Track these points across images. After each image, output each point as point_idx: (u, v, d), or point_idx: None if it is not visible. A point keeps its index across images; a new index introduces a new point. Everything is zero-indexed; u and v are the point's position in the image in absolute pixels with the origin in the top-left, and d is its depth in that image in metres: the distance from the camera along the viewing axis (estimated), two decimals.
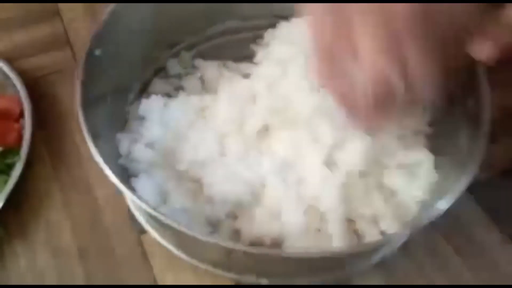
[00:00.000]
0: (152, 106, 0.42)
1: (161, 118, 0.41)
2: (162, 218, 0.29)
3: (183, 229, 0.28)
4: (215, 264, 0.35)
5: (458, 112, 0.38)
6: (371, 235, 0.36)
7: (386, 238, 0.35)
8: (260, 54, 0.44)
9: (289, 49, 0.41)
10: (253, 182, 0.37)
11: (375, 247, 0.34)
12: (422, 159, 0.39)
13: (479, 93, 0.35)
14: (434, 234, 0.38)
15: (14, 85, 0.44)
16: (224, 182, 0.37)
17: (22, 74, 0.45)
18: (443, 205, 0.30)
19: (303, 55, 0.39)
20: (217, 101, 0.41)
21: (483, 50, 0.28)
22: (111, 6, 0.40)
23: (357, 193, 0.37)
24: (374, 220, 0.36)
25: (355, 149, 0.37)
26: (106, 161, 0.32)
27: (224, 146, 0.39)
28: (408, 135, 0.40)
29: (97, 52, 0.38)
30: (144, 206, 0.30)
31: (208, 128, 0.40)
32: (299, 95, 0.38)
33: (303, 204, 0.35)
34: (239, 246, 0.31)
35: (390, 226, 0.36)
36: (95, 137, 0.33)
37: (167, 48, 0.47)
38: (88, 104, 0.35)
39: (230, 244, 0.29)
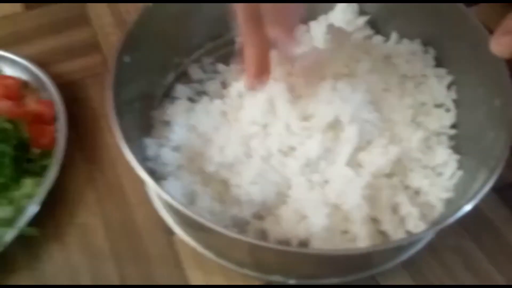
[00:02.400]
0: (177, 111, 0.43)
1: (187, 122, 0.42)
2: (192, 215, 0.30)
3: (212, 225, 0.29)
4: (242, 264, 0.36)
5: (483, 112, 0.38)
6: (397, 235, 0.36)
7: (411, 236, 0.35)
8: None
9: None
10: (279, 183, 0.38)
11: (401, 245, 0.34)
12: (446, 160, 0.39)
13: (505, 92, 0.35)
14: (462, 235, 0.39)
15: (47, 89, 0.46)
16: (251, 183, 0.37)
17: (56, 78, 0.47)
18: (468, 204, 0.31)
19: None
20: (242, 103, 0.42)
21: (502, 45, 0.28)
22: (139, 10, 0.41)
23: (382, 193, 0.37)
24: (400, 220, 0.37)
25: (380, 152, 0.37)
26: (138, 162, 0.33)
27: (250, 147, 0.39)
28: (431, 137, 0.41)
29: (126, 58, 0.39)
30: (175, 203, 0.31)
31: (234, 131, 0.40)
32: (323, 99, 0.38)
33: (327, 204, 0.36)
34: (269, 244, 0.31)
35: (416, 225, 0.36)
36: (126, 140, 0.34)
37: (187, 53, 0.49)
38: (117, 109, 0.36)
39: (259, 242, 0.30)
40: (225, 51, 0.49)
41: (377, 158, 0.38)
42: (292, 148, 0.38)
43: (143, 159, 0.41)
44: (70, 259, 0.39)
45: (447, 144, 0.41)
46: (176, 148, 0.41)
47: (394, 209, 0.37)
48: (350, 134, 0.37)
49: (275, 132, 0.39)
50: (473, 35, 0.39)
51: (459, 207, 0.31)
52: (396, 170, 0.38)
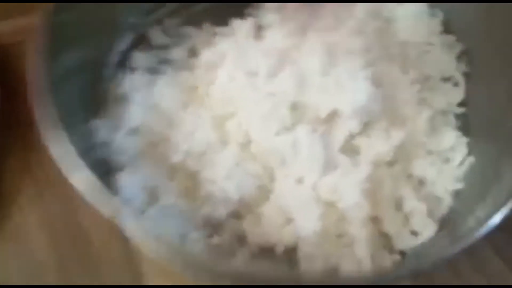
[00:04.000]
0: (135, 84, 0.35)
1: (146, 98, 0.34)
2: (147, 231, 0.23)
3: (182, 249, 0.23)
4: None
5: (503, 88, 0.32)
6: (401, 237, 0.30)
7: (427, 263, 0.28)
8: (271, 16, 0.37)
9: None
10: (260, 175, 0.31)
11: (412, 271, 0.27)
12: (454, 143, 0.34)
13: None
14: (483, 246, 0.33)
15: None
16: (226, 177, 0.30)
17: None
18: (496, 217, 0.25)
19: None
20: (214, 76, 0.34)
21: None
22: None
23: (384, 186, 0.31)
24: (405, 218, 0.31)
25: (382, 136, 0.31)
26: (77, 155, 0.26)
27: (224, 132, 0.32)
28: (437, 116, 0.35)
29: (63, 16, 0.31)
30: (125, 214, 0.24)
31: (204, 110, 0.33)
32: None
33: (318, 202, 0.30)
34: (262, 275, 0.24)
35: (423, 224, 0.31)
36: (63, 124, 0.27)
37: (147, 11, 0.40)
38: (53, 83, 0.28)
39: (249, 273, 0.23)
40: (194, 10, 0.41)
41: (378, 143, 0.32)
42: (277, 133, 0.31)
43: (90, 147, 0.33)
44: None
45: (455, 125, 0.35)
46: (134, 132, 0.33)
47: (397, 204, 0.31)
48: (348, 121, 0.31)
49: (255, 113, 0.32)
50: None
51: (489, 216, 0.25)
52: (398, 157, 0.32)
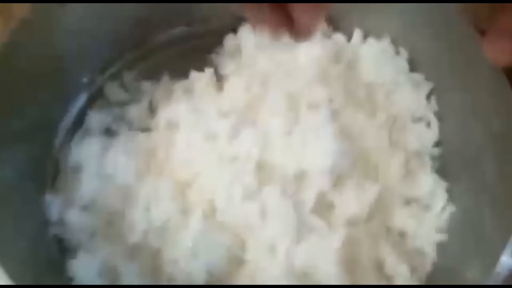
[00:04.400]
0: (89, 151, 0.33)
1: (100, 168, 0.32)
2: None
3: None
4: None
5: (476, 126, 0.30)
6: None
7: None
8: (230, 64, 0.35)
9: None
10: (230, 244, 0.29)
11: None
12: (432, 187, 0.32)
13: (506, 108, 0.28)
14: None
15: None
16: (192, 255, 0.28)
17: None
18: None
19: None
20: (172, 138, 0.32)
21: (498, 51, 0.21)
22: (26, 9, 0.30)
23: (362, 248, 0.29)
24: (387, 280, 0.29)
25: (355, 192, 0.29)
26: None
27: (186, 201, 0.30)
28: (411, 160, 0.33)
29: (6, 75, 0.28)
30: None
31: (164, 179, 0.30)
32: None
33: (291, 275, 0.27)
34: None
35: (407, 282, 0.29)
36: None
37: (101, 68, 0.38)
38: None
39: None
40: (152, 62, 0.38)
41: (351, 199, 0.29)
42: (244, 198, 0.29)
43: (43, 225, 0.30)
44: None
45: (431, 168, 0.33)
46: (87, 207, 0.31)
47: (378, 266, 0.29)
48: (317, 179, 0.28)
49: (218, 178, 0.29)
50: (456, 33, 0.31)
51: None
52: (375, 211, 0.30)
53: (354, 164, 0.30)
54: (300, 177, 0.29)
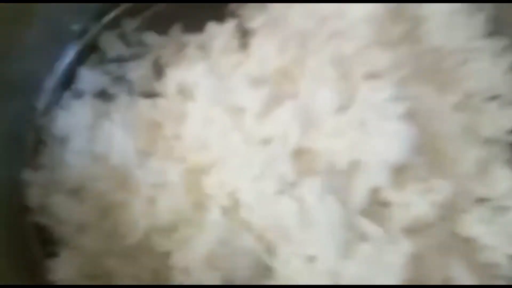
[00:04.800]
0: (76, 119, 0.26)
1: (91, 144, 0.25)
2: None
3: None
4: None
5: None
6: None
7: None
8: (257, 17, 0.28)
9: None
10: (255, 250, 0.22)
11: None
12: (509, 185, 0.25)
13: None
14: None
15: None
16: (208, 266, 0.21)
17: None
18: None
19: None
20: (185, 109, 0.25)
21: None
22: None
23: (427, 262, 0.22)
24: None
25: (421, 190, 0.22)
26: None
27: (201, 192, 0.23)
28: (485, 149, 0.26)
29: None
30: None
31: (173, 160, 0.23)
32: None
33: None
34: None
35: None
36: None
37: (97, 14, 0.31)
38: None
39: None
40: (158, 10, 0.31)
41: (416, 201, 0.23)
42: (276, 193, 0.22)
43: (21, 209, 0.24)
44: None
45: (507, 160, 0.26)
46: (75, 192, 0.24)
47: (446, 283, 0.23)
48: (375, 170, 0.22)
49: (243, 166, 0.22)
50: None
51: None
52: (442, 215, 0.24)
53: (420, 153, 0.23)
54: (352, 168, 0.22)
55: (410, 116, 0.23)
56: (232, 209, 0.23)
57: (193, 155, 0.23)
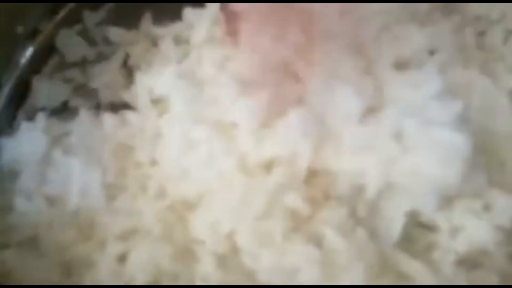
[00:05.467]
0: (26, 155, 0.21)
1: (44, 181, 0.19)
2: None
3: None
4: None
5: None
6: None
7: None
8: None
9: None
10: None
11: None
12: None
13: None
14: None
15: None
16: None
17: None
18: None
19: None
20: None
21: None
22: None
23: None
24: None
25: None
26: None
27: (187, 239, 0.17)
28: None
29: None
30: None
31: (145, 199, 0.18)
32: None
33: None
34: None
35: None
36: None
37: (50, 10, 0.26)
38: None
39: None
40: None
41: (472, 223, 0.17)
42: (289, 230, 0.17)
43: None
44: None
45: None
46: (30, 244, 0.19)
47: None
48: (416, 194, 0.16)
49: (239, 198, 0.17)
50: None
51: None
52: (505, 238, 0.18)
53: (476, 165, 0.17)
54: (384, 194, 0.17)
55: (463, 118, 0.17)
56: (229, 257, 0.18)
57: (173, 187, 0.18)
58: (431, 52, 0.18)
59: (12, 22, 0.26)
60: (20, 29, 0.26)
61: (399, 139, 0.16)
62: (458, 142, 0.16)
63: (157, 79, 0.20)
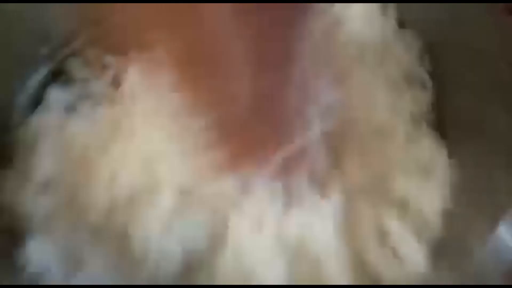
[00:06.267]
0: (45, 127, 0.29)
1: (57, 143, 0.27)
2: None
3: None
4: None
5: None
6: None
7: None
8: None
9: None
10: (211, 220, 0.25)
11: None
12: (432, 154, 0.29)
13: None
14: None
15: None
16: (165, 232, 0.24)
17: None
18: None
19: None
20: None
21: None
22: None
23: (361, 218, 0.25)
24: (393, 255, 0.25)
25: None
26: None
27: (155, 175, 0.26)
28: (410, 124, 0.30)
29: None
30: None
31: (130, 151, 0.26)
32: None
33: (284, 249, 0.24)
34: None
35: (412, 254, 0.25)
36: None
37: (63, 41, 0.34)
38: None
39: None
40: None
41: (351, 171, 0.26)
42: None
43: None
44: None
45: (429, 133, 0.30)
46: (44, 188, 0.27)
47: (381, 237, 0.25)
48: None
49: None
50: None
51: None
52: (375, 181, 0.27)
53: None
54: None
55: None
56: (185, 186, 0.25)
57: (146, 146, 0.26)
58: None
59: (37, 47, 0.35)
60: (43, 50, 0.33)
61: None
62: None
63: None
